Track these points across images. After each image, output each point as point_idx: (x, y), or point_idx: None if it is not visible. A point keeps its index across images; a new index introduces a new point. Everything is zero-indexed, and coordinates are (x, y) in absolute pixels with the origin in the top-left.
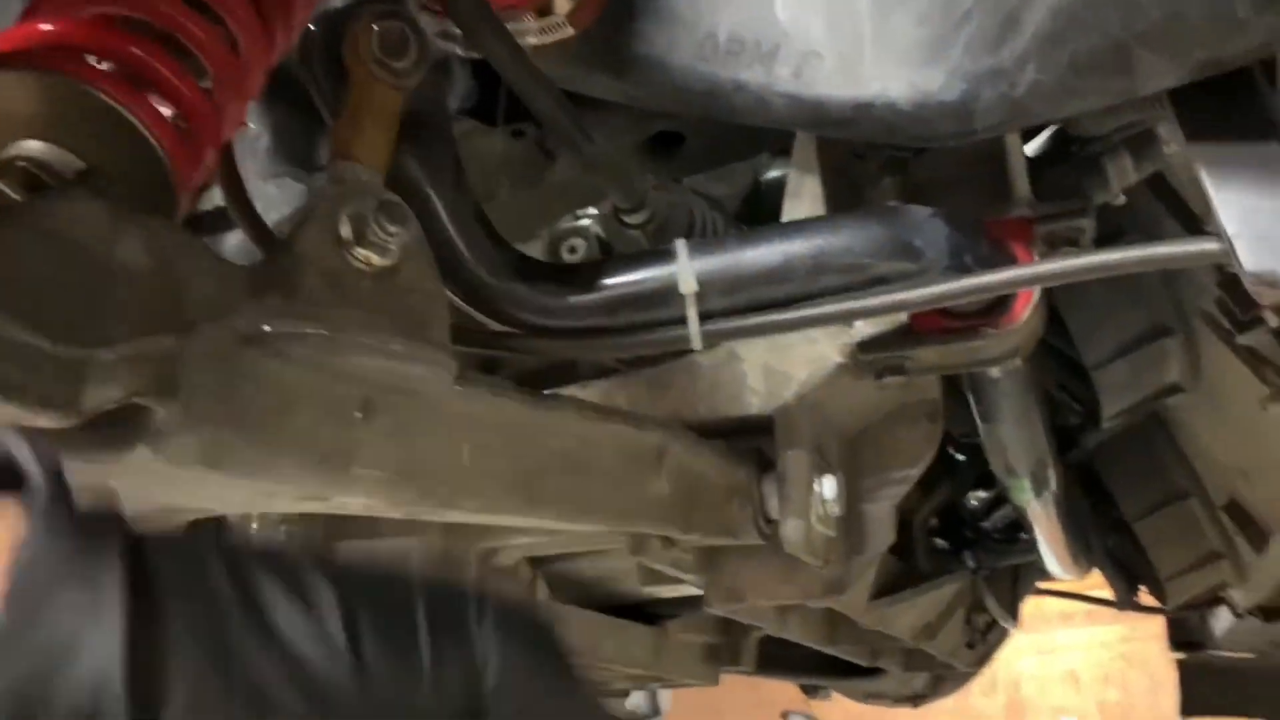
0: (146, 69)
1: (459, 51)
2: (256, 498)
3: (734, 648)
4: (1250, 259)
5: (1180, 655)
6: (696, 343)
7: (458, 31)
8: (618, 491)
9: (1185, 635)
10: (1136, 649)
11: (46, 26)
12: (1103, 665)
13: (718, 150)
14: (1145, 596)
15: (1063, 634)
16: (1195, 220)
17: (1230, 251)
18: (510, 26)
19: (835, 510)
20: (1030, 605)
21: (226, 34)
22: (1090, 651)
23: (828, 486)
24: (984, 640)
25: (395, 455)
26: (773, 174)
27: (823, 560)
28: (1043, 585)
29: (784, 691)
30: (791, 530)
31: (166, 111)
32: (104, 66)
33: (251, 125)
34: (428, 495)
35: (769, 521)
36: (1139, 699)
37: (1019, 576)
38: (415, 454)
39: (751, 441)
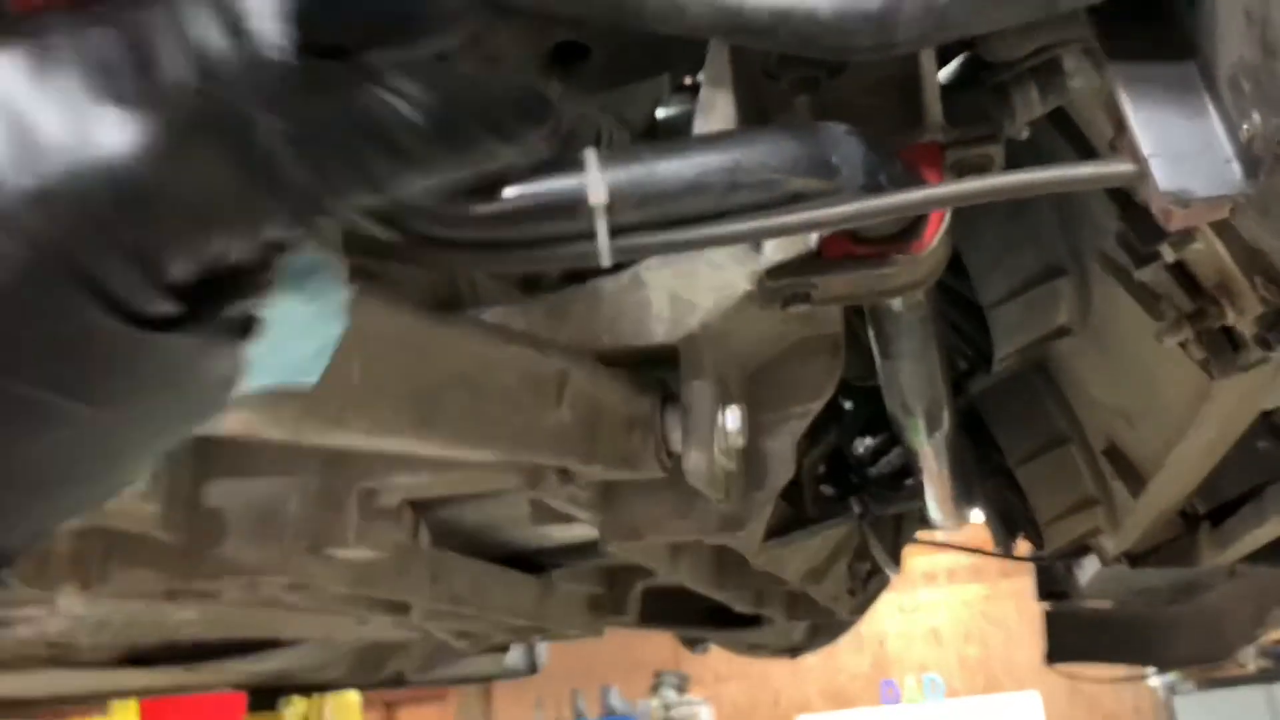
0: None
1: None
2: None
3: (618, 599)
4: (1165, 178)
5: (1047, 605)
6: (605, 258)
7: None
8: (517, 417)
9: (1052, 585)
10: (995, 607)
11: None
12: (963, 623)
13: (623, 67)
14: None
15: (925, 593)
16: (1095, 156)
17: (1145, 171)
18: None
19: (738, 442)
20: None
21: None
22: (952, 610)
23: (731, 418)
24: (864, 588)
25: None
26: (672, 111)
27: (723, 494)
28: (922, 536)
29: (657, 653)
30: (694, 462)
31: None
32: None
33: None
34: (312, 413)
35: (670, 454)
36: (995, 653)
37: (901, 524)
38: None
39: (655, 372)
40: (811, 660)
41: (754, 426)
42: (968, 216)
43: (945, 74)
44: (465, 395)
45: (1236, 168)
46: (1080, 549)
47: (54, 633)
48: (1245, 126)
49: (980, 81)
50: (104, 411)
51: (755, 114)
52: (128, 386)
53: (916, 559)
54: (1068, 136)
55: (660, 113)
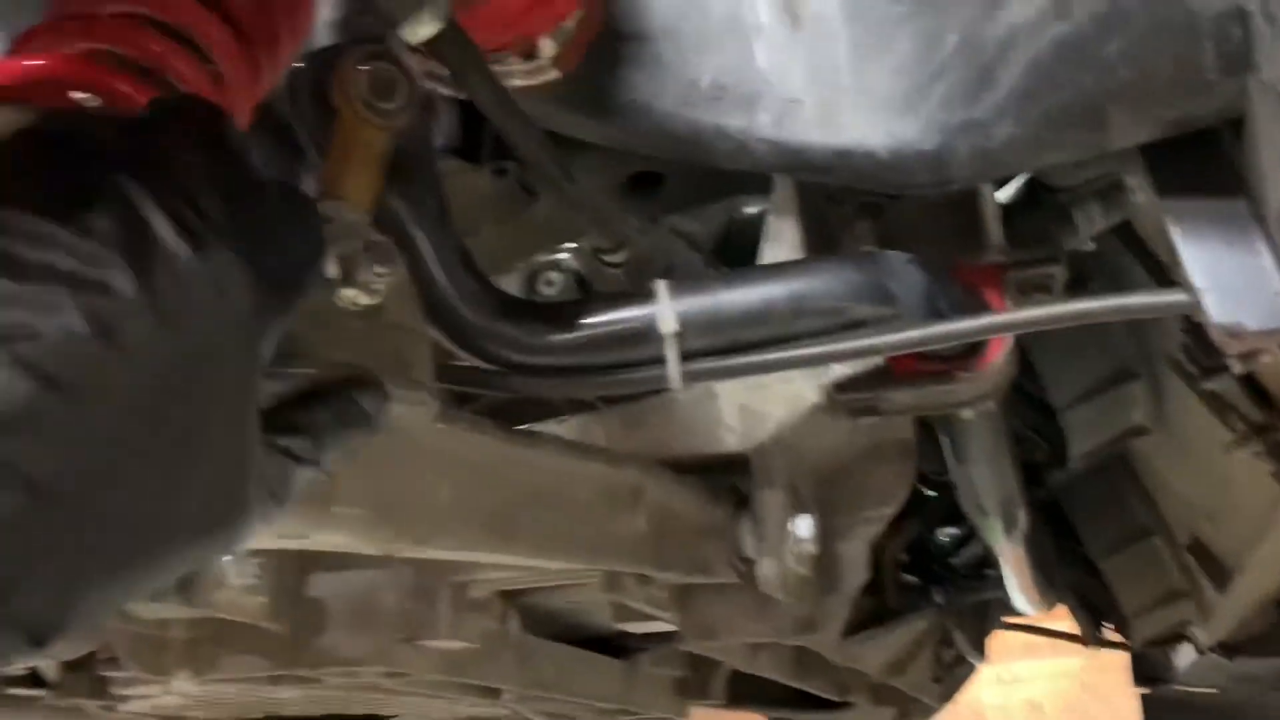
0: (131, 103)
1: (444, 92)
2: None
3: (703, 681)
4: (1218, 311)
5: (1144, 690)
6: (676, 383)
7: (443, 72)
8: (593, 528)
9: (1149, 671)
10: (1097, 679)
11: (30, 62)
12: (1065, 695)
13: (696, 191)
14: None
15: (1024, 665)
16: (1160, 267)
17: (1198, 304)
18: (496, 69)
19: (810, 550)
20: (993, 635)
21: (213, 71)
22: (1053, 682)
23: (802, 526)
24: (951, 675)
25: (374, 493)
26: (747, 211)
27: (797, 599)
28: (1009, 620)
29: None
30: (767, 570)
31: None
32: (88, 100)
33: None
34: (404, 534)
35: (744, 560)
36: None
37: (986, 612)
38: (394, 492)
39: (725, 479)
40: None
41: (827, 530)
42: None
43: (1007, 195)
44: (542, 511)
45: None
46: (1174, 636)
47: (169, 709)
48: None
49: (1041, 204)
50: None
51: (820, 239)
52: None
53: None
54: (1130, 247)
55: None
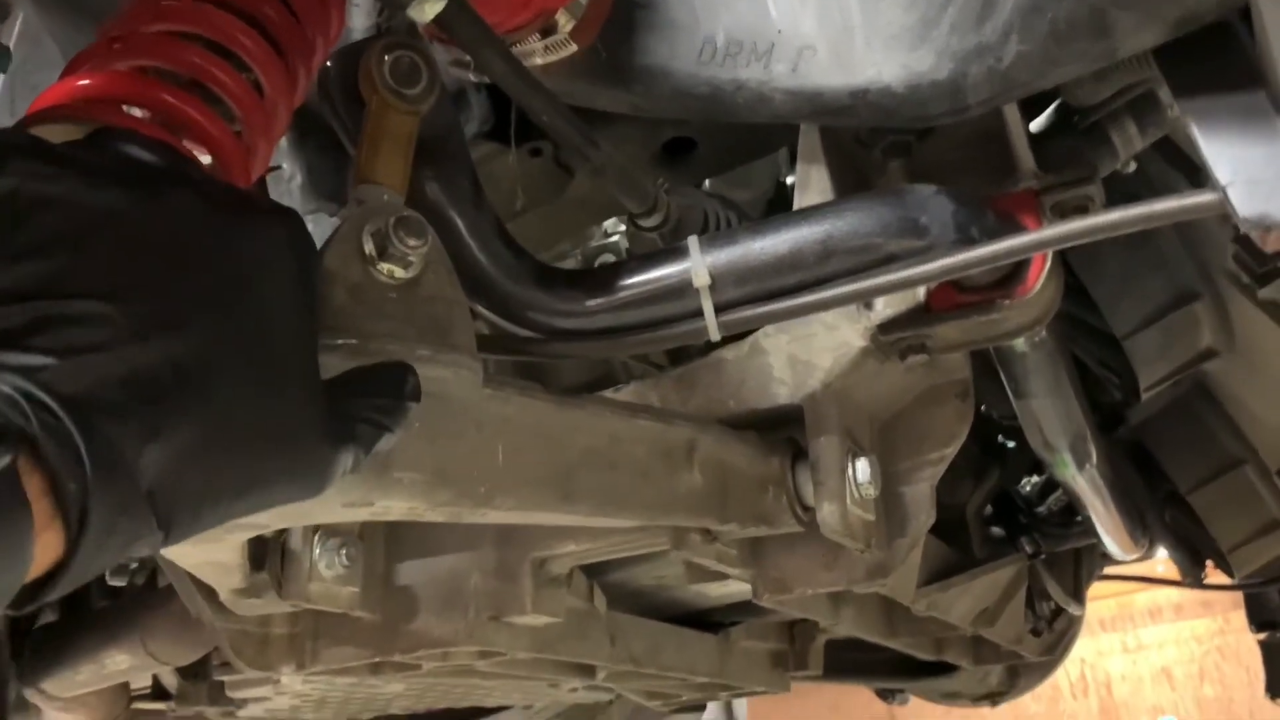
0: (179, 115)
1: (472, 78)
2: (300, 505)
3: (800, 653)
4: (1244, 205)
5: (1261, 635)
6: (714, 333)
7: (469, 59)
8: (650, 485)
9: (1265, 615)
10: (1230, 641)
11: (85, 81)
12: (1197, 660)
13: (730, 153)
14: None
15: (1150, 631)
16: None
17: (1226, 200)
18: (517, 49)
19: (870, 492)
20: (1116, 604)
21: (253, 79)
22: (1182, 647)
23: (861, 469)
24: (1050, 628)
25: (432, 457)
26: (793, 178)
27: (864, 544)
28: (1111, 571)
29: (867, 709)
30: (828, 514)
31: (201, 156)
32: (140, 115)
33: (285, 165)
34: (465, 495)
35: (805, 509)
36: (1238, 693)
37: (1081, 560)
38: (451, 456)
39: (783, 432)
40: (1034, 708)
41: (891, 475)
42: (1089, 251)
43: (1039, 123)
44: (599, 471)
45: None
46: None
47: (283, 711)
48: None
49: (1073, 126)
50: None
51: (853, 184)
52: None
53: (1138, 596)
54: (1176, 165)
55: (787, 178)
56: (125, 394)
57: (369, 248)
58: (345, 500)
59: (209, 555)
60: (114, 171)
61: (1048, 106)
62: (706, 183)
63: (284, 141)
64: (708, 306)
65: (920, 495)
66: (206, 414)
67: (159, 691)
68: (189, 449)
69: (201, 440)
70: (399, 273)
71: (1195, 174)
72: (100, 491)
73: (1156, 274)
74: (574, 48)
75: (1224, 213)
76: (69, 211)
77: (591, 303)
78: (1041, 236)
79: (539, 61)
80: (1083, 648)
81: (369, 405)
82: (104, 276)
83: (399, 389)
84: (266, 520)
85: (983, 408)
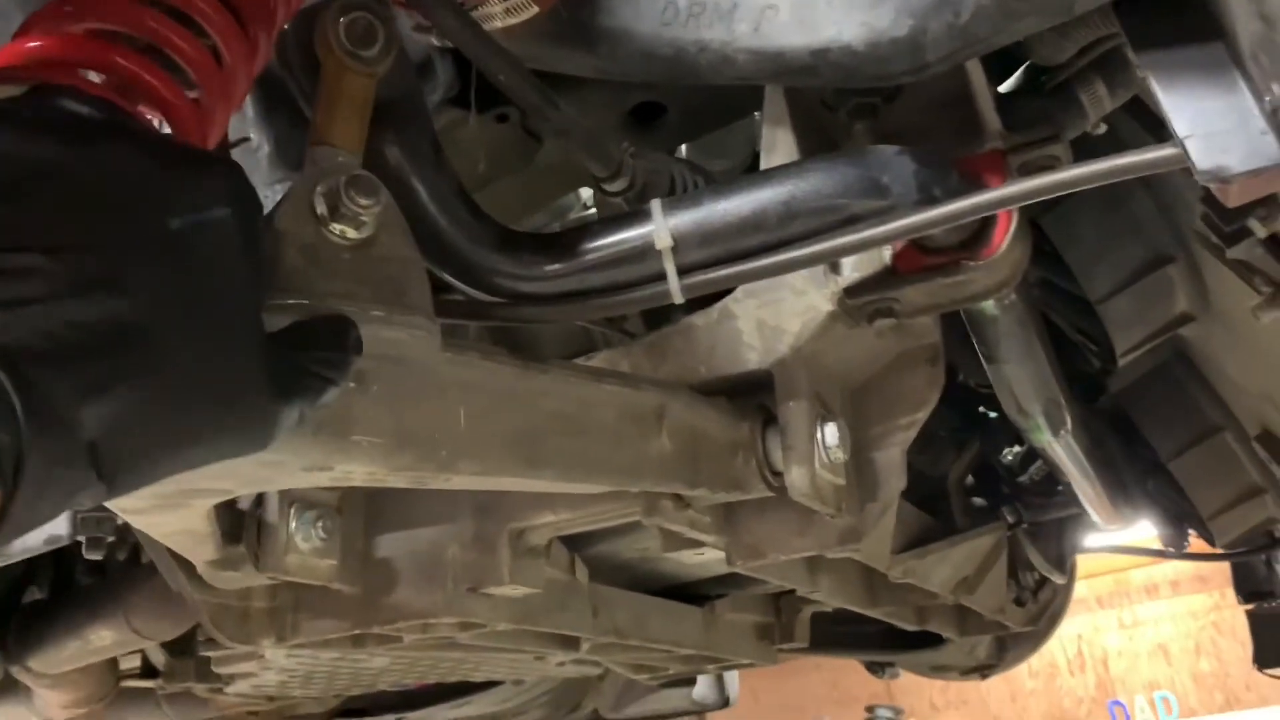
0: (136, 80)
1: (436, 43)
2: (261, 469)
3: (787, 625)
4: (1202, 158)
5: (1249, 606)
6: (677, 296)
7: (427, 23)
8: (619, 450)
9: (1252, 585)
10: (1226, 617)
11: (38, 43)
12: (1193, 636)
13: (700, 118)
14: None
15: (1147, 607)
16: None
17: (1185, 153)
18: (477, 11)
19: (839, 456)
20: (1113, 581)
21: (210, 45)
22: (1178, 622)
23: (830, 433)
24: (1035, 598)
25: (392, 421)
26: None
27: (834, 508)
28: (1097, 545)
29: (867, 685)
30: (797, 478)
31: (157, 121)
32: (96, 79)
33: (252, 136)
34: (426, 459)
35: (775, 474)
36: (1234, 667)
37: (1064, 530)
38: (411, 419)
39: (755, 398)
40: (1031, 684)
41: (862, 440)
42: (1063, 215)
43: (1008, 85)
44: (566, 435)
45: (1273, 140)
46: (1271, 541)
47: (271, 686)
48: (1268, 99)
49: (1041, 87)
50: None
51: (819, 147)
52: None
53: (1134, 572)
54: (1150, 128)
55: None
56: (62, 347)
57: (321, 208)
58: (304, 464)
59: (178, 524)
60: (50, 124)
61: (1017, 69)
62: (682, 149)
63: (254, 113)
64: (670, 269)
65: (891, 460)
66: (147, 366)
67: (148, 669)
68: (131, 402)
69: (143, 393)
70: (351, 233)
71: (1166, 135)
72: (36, 442)
73: (1131, 239)
74: (535, 9)
75: (1185, 166)
76: (2, 164)
77: (554, 266)
78: (1004, 194)
79: (499, 24)
80: (1079, 624)
81: (312, 358)
82: (40, 229)
83: (342, 341)
84: (229, 485)
85: (961, 377)
